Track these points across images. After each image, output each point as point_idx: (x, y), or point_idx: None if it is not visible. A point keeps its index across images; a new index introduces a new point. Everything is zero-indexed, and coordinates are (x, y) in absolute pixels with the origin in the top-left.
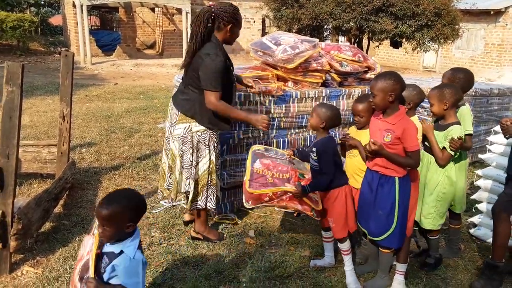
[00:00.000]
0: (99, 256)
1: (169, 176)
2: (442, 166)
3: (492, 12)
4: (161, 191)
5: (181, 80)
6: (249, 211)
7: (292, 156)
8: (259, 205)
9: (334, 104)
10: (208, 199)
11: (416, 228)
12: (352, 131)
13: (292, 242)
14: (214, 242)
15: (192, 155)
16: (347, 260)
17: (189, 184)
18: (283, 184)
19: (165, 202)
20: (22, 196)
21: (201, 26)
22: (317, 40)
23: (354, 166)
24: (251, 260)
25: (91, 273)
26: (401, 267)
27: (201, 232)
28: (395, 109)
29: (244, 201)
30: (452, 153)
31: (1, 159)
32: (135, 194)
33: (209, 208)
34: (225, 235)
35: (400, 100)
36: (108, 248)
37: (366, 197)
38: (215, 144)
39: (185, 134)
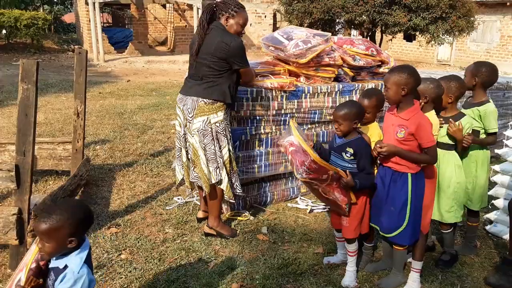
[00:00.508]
0: (45, 272)
1: (193, 170)
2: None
3: (508, 4)
4: (189, 187)
5: (186, 78)
6: (262, 207)
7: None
8: (310, 181)
9: (347, 99)
10: (235, 185)
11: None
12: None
13: (305, 239)
14: (227, 238)
15: (215, 146)
16: (351, 261)
17: (219, 173)
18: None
19: (179, 199)
20: (38, 193)
21: (205, 15)
22: (329, 34)
23: None
24: (264, 257)
25: None
26: (416, 265)
27: (214, 227)
28: (409, 104)
29: (297, 170)
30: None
31: (17, 156)
32: (79, 206)
33: (237, 193)
34: (238, 232)
35: (415, 95)
36: (53, 263)
37: (378, 193)
38: (230, 134)
39: (204, 127)
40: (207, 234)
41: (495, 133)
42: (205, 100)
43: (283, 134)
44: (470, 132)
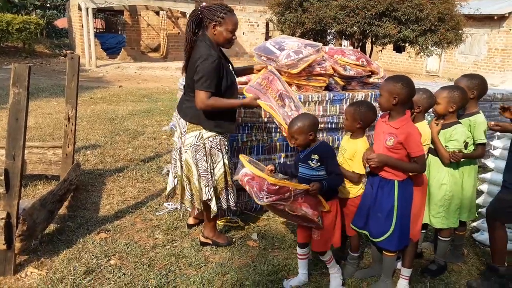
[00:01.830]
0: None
1: (189, 188)
2: (446, 165)
3: (495, 17)
4: (182, 203)
5: (183, 87)
6: (252, 213)
7: (273, 171)
8: (274, 203)
9: (338, 108)
10: (229, 198)
11: (424, 231)
12: (345, 139)
13: (295, 246)
14: (224, 247)
15: (207, 162)
16: (332, 265)
17: (208, 191)
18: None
19: (169, 205)
20: (27, 197)
21: (191, 26)
22: (320, 44)
23: None
24: (254, 263)
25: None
26: (405, 272)
27: (210, 237)
28: (400, 114)
29: (258, 197)
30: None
31: (7, 161)
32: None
33: (231, 207)
34: (234, 240)
35: (409, 106)
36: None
37: (367, 199)
38: (226, 148)
39: (197, 142)
40: (203, 244)
41: (483, 144)
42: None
43: (236, 171)
44: (466, 143)
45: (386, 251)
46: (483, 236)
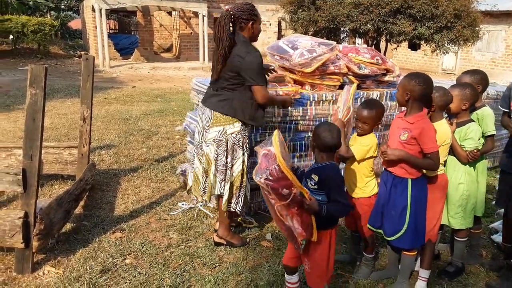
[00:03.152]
0: None
1: (205, 180)
2: (463, 164)
3: None
4: (195, 196)
5: (208, 85)
6: (266, 214)
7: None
8: (267, 190)
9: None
10: (238, 202)
11: (440, 232)
12: (353, 137)
13: None
14: (238, 247)
15: (227, 158)
16: None
17: (223, 186)
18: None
19: (183, 204)
20: (44, 197)
21: (225, 30)
22: (334, 43)
23: None
24: (268, 264)
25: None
26: (424, 273)
27: (224, 237)
28: (416, 110)
29: (258, 172)
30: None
31: (24, 160)
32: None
33: (238, 211)
34: (248, 241)
35: (427, 104)
36: None
37: (381, 197)
38: (247, 145)
39: (220, 137)
40: (217, 244)
41: (492, 136)
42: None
43: (264, 142)
44: (480, 140)
45: (404, 251)
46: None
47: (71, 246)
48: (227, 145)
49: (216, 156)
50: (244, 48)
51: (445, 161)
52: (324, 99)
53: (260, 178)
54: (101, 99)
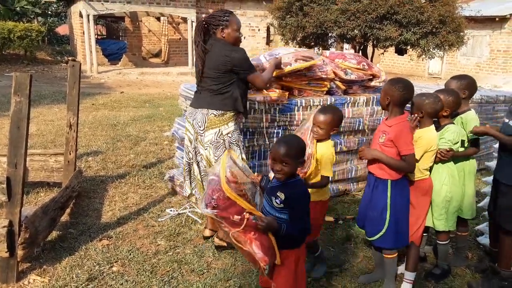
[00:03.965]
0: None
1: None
2: (438, 162)
3: (497, 19)
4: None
5: (195, 89)
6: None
7: (258, 182)
8: (217, 219)
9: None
10: None
11: (425, 234)
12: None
13: None
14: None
15: None
16: None
17: None
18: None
19: (171, 210)
20: (29, 205)
21: (200, 36)
22: (316, 57)
23: None
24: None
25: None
26: (409, 276)
27: (225, 238)
28: (395, 114)
29: (203, 201)
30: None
31: (9, 168)
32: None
33: None
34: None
35: (411, 109)
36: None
37: (365, 198)
38: (242, 143)
39: (217, 139)
40: (218, 247)
41: (477, 140)
42: (215, 112)
43: (216, 163)
44: (457, 142)
45: (385, 253)
46: (487, 240)
47: (57, 254)
48: (225, 146)
49: (216, 158)
50: (227, 48)
51: (431, 167)
52: (311, 105)
53: (207, 208)
54: (89, 105)
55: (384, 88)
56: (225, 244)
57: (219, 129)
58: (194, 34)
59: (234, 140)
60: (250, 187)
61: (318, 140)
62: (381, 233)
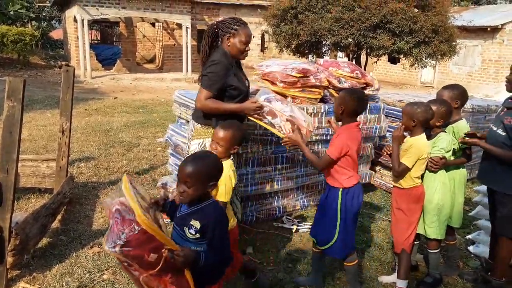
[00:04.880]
0: None
1: None
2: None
3: (488, 29)
4: None
5: (190, 96)
6: (247, 226)
7: (158, 205)
8: (127, 260)
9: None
10: None
11: (417, 242)
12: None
13: (290, 259)
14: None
15: None
16: None
17: None
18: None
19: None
20: (20, 211)
21: (207, 39)
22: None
23: None
24: None
25: None
26: (400, 283)
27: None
28: (346, 122)
29: (110, 239)
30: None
31: (0, 174)
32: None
33: None
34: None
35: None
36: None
37: (319, 206)
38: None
39: (199, 150)
40: None
41: (469, 149)
42: (199, 124)
43: (112, 192)
44: (449, 150)
45: (345, 261)
46: (479, 249)
47: (47, 261)
48: None
49: None
50: (212, 57)
51: (422, 175)
52: (305, 112)
53: (114, 247)
54: (82, 110)
55: (340, 97)
56: None
57: (203, 141)
58: (203, 38)
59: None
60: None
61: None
62: (331, 243)
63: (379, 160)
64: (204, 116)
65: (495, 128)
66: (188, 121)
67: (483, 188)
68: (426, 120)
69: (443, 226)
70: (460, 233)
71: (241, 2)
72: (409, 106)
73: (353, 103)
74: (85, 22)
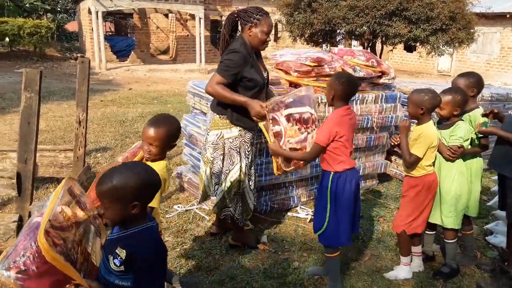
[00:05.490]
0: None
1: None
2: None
3: (508, 16)
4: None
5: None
6: (261, 216)
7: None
8: None
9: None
10: (237, 208)
11: (433, 232)
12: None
13: (305, 249)
14: (255, 248)
15: (223, 162)
16: None
17: (217, 189)
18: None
19: (179, 207)
20: (39, 200)
21: (227, 28)
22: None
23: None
24: (263, 266)
25: None
26: (404, 260)
27: (239, 239)
28: (337, 107)
29: (5, 263)
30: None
31: (19, 164)
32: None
33: (236, 218)
34: (259, 238)
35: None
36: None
37: (317, 192)
38: (247, 152)
39: (217, 140)
40: (232, 246)
41: (486, 137)
42: (217, 115)
43: (47, 197)
44: (467, 139)
45: (326, 252)
46: (497, 239)
47: None
48: (224, 150)
49: (212, 159)
50: (231, 46)
51: (433, 162)
52: (320, 101)
53: (8, 270)
54: (97, 101)
55: (329, 82)
56: (240, 244)
57: (221, 132)
58: (223, 27)
59: (235, 146)
60: (85, 228)
61: (152, 160)
62: (323, 229)
63: (395, 150)
64: (221, 106)
65: None
66: (202, 112)
67: None
68: (434, 107)
69: (460, 216)
70: (478, 223)
71: None
72: (415, 94)
73: (341, 87)
74: (100, 14)
